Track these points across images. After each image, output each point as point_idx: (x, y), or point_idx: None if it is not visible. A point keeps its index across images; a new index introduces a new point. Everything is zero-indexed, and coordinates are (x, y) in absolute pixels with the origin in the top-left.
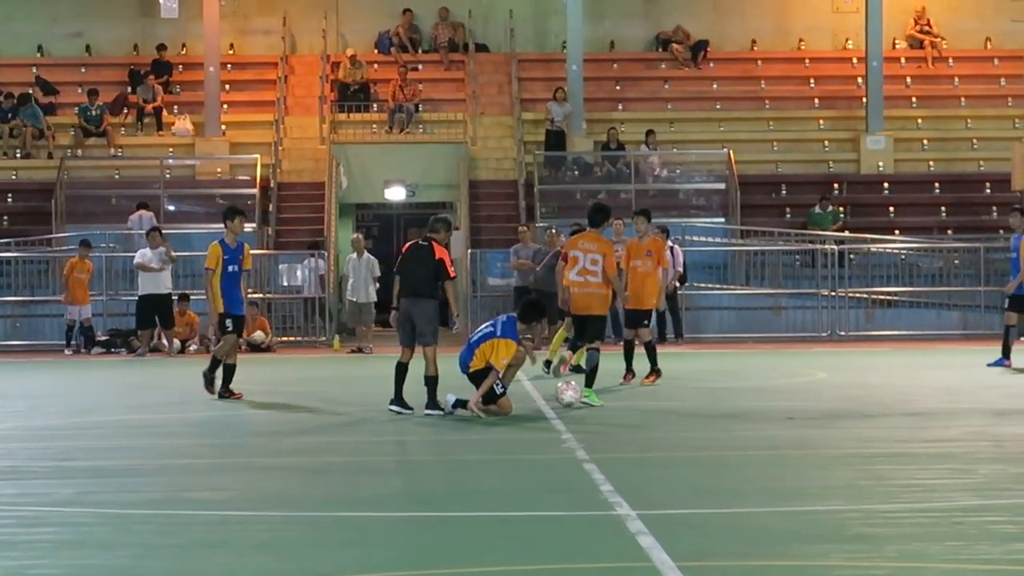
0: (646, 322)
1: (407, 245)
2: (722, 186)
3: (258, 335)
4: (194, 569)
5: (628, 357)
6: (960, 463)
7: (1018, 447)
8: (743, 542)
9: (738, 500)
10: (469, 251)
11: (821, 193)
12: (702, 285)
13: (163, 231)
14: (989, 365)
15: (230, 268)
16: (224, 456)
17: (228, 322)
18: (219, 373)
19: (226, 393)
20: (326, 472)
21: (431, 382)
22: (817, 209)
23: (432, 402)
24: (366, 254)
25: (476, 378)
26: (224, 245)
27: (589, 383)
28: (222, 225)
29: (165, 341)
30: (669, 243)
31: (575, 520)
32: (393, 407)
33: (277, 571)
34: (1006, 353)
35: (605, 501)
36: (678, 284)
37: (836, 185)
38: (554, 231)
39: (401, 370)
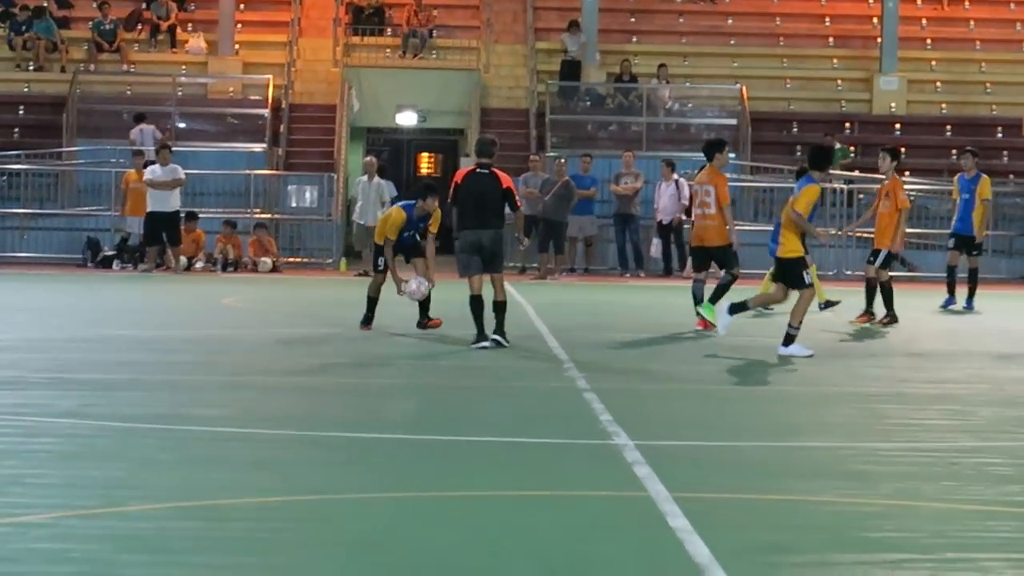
0: (872, 259)
1: (463, 173)
2: (734, 122)
3: (264, 262)
4: (191, 484)
5: (869, 296)
6: (959, 404)
7: (1017, 390)
8: (739, 476)
9: (736, 434)
10: None
11: (831, 131)
12: None
13: (172, 148)
14: (942, 307)
15: (405, 235)
16: (225, 374)
17: (380, 261)
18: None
19: (424, 322)
20: (325, 392)
21: (502, 307)
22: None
23: (501, 329)
24: (376, 177)
25: (785, 267)
26: (409, 217)
27: (714, 299)
28: (232, 144)
29: (172, 258)
30: (675, 177)
31: (572, 448)
32: (484, 343)
33: (274, 489)
34: (951, 291)
35: (604, 430)
36: (683, 217)
37: (848, 125)
38: (563, 161)
39: (478, 304)
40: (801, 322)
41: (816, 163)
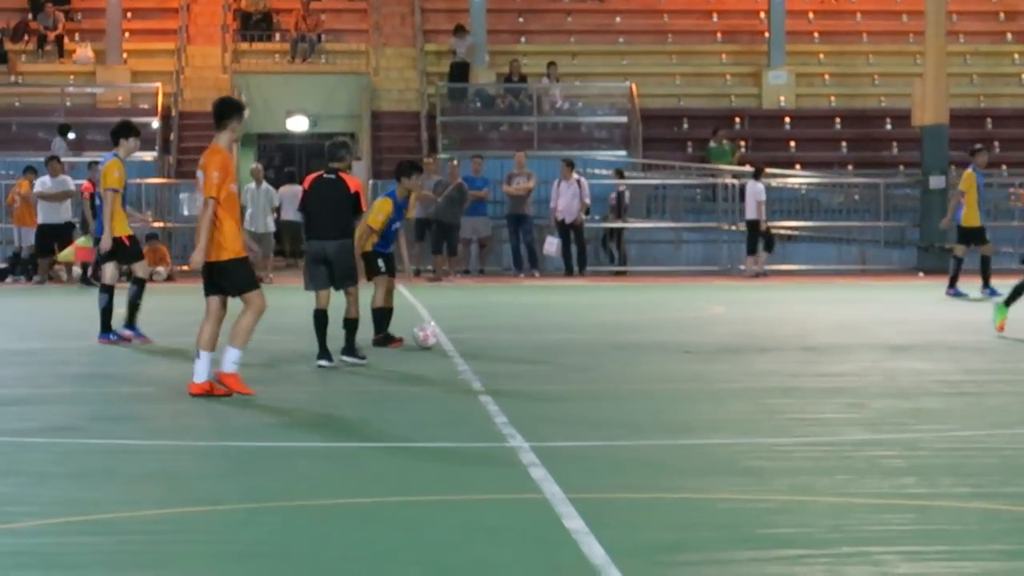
0: None
1: (309, 179)
2: (624, 119)
3: (159, 271)
4: (86, 497)
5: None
6: (852, 398)
7: (910, 382)
8: (634, 475)
9: (630, 433)
10: (371, 182)
11: (720, 127)
12: (603, 218)
13: (61, 159)
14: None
15: (394, 226)
16: (119, 386)
17: (379, 263)
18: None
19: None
20: (218, 402)
21: (351, 325)
22: (712, 144)
23: (350, 348)
24: (264, 184)
25: None
26: (396, 204)
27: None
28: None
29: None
30: (575, 176)
31: (468, 452)
32: (322, 362)
33: (167, 500)
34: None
35: (499, 433)
36: (584, 216)
37: (738, 119)
38: (455, 162)
39: (320, 319)
40: None
41: None
